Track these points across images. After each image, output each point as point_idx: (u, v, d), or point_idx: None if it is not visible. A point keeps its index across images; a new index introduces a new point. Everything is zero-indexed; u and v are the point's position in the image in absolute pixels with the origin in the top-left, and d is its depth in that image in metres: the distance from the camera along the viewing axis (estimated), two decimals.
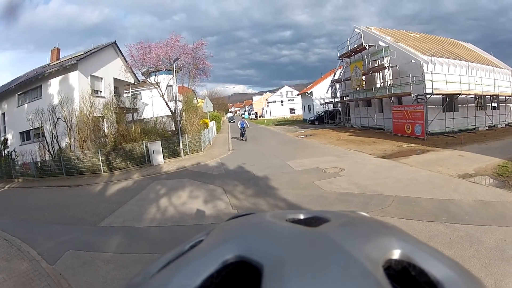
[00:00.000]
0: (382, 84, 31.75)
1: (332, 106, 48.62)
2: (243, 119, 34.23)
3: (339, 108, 46.06)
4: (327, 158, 17.73)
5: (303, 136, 32.97)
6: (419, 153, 18.28)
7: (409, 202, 9.79)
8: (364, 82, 34.02)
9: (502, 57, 36.50)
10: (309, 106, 62.63)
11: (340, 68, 42.01)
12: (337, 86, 44.14)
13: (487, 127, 28.13)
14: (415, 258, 0.46)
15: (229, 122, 78.45)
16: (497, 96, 29.32)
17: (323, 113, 50.86)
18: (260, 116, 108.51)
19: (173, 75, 24.84)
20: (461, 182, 11.56)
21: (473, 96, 27.55)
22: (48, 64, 30.59)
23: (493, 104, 30.63)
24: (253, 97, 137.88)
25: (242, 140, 32.34)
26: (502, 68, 33.64)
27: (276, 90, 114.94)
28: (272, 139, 32.49)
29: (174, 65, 24.13)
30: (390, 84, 29.63)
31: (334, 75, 44.11)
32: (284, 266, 0.40)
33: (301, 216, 0.61)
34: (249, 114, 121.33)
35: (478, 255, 6.06)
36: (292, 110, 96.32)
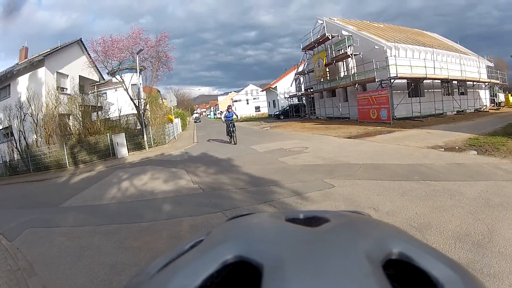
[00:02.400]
0: (346, 73, 31.47)
1: (297, 100, 48.06)
2: (229, 111, 19.93)
3: (304, 101, 45.82)
4: (292, 141, 17.36)
5: (268, 128, 32.17)
6: (385, 133, 17.75)
7: (377, 167, 9.31)
8: (327, 73, 33.70)
9: (471, 50, 37.12)
10: (273, 101, 62.39)
11: (303, 63, 41.79)
12: (301, 79, 43.66)
13: (455, 112, 28.12)
14: (415, 258, 0.43)
15: (195, 122, 78.59)
16: (465, 81, 29.37)
17: (288, 107, 49.77)
18: None
19: (136, 66, 23.66)
20: (431, 151, 11.05)
21: (439, 81, 27.48)
22: (17, 63, 29.89)
23: (461, 90, 30.80)
24: (219, 97, 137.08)
25: (231, 143, 19.66)
26: (469, 55, 33.88)
27: (241, 90, 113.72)
28: (238, 131, 29.17)
29: (137, 57, 23.25)
30: (354, 73, 28.91)
31: (297, 69, 43.66)
32: (284, 266, 0.39)
33: (301, 216, 0.57)
34: (214, 114, 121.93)
35: (461, 204, 5.73)
36: (257, 108, 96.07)
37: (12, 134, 23.17)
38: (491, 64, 35.30)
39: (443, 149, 11.20)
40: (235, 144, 19.04)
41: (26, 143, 22.14)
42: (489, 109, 31.88)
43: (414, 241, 0.46)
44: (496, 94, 35.59)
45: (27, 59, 28.96)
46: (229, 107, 20.36)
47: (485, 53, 36.30)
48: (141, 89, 25.38)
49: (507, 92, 37.66)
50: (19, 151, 22.18)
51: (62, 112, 23.70)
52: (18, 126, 22.32)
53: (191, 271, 0.41)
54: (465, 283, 0.39)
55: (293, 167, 10.40)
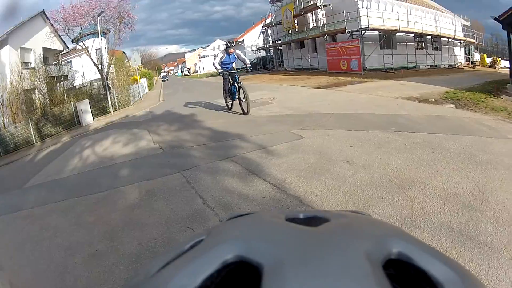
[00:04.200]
0: (315, 24, 30.83)
1: (264, 52, 47.14)
2: (229, 53, 11.17)
3: (272, 54, 44.96)
4: (258, 93, 16.77)
5: None
6: (356, 84, 17.36)
7: (350, 117, 8.92)
8: (296, 24, 32.99)
9: (448, 9, 36.99)
10: None
11: (270, 15, 40.64)
12: (269, 31, 42.62)
13: (429, 66, 28.02)
14: (415, 258, 0.42)
15: (163, 81, 77.68)
16: (439, 37, 29.24)
17: (255, 60, 48.85)
18: (193, 72, 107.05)
19: (98, 30, 23.10)
20: (407, 102, 10.71)
21: (412, 35, 27.26)
22: None
23: (435, 46, 30.63)
24: (186, 55, 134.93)
25: (231, 109, 12.35)
26: (444, 13, 33.56)
27: (208, 46, 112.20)
28: (204, 87, 29.91)
29: (98, 20, 22.69)
30: (323, 24, 28.61)
31: (265, 21, 42.40)
32: (284, 266, 0.38)
33: (301, 216, 0.56)
34: (182, 71, 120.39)
35: (445, 159, 5.33)
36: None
37: None
38: (467, 24, 35.27)
39: (419, 101, 10.85)
40: (246, 114, 10.78)
41: None
42: (464, 66, 31.87)
43: (414, 241, 0.45)
44: (471, 53, 35.76)
45: None
46: (229, 45, 10.94)
47: (462, 14, 36.11)
48: (104, 53, 24.71)
49: (482, 52, 37.62)
50: None
51: (27, 88, 23.08)
52: None
53: (191, 271, 0.40)
54: (465, 283, 0.39)
55: (258, 119, 10.02)
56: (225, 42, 11.45)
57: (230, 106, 12.26)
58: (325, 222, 0.49)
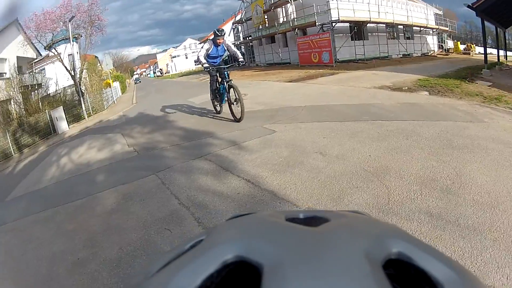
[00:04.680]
0: (285, 19, 31.20)
1: (236, 49, 46.78)
2: (218, 43, 9.10)
3: (243, 50, 45.42)
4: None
5: (208, 79, 30.79)
6: (328, 76, 17.44)
7: (322, 108, 8.90)
8: (266, 20, 33.23)
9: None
10: None
11: (240, 12, 40.54)
12: (239, 28, 43.18)
13: (401, 55, 28.52)
14: (415, 258, 0.42)
15: (135, 83, 77.98)
16: (411, 26, 29.85)
17: (226, 57, 48.54)
18: (165, 73, 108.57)
19: (69, 35, 22.94)
20: (379, 91, 10.73)
21: (384, 25, 27.69)
22: None
23: (407, 35, 31.26)
24: (157, 55, 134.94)
25: (219, 113, 10.54)
26: (416, 2, 34.08)
27: (179, 45, 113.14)
28: (176, 87, 30.08)
29: (69, 25, 22.69)
30: (293, 18, 28.83)
31: (235, 18, 43.04)
32: (284, 266, 0.38)
33: (301, 216, 0.56)
34: (154, 72, 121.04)
35: (420, 145, 5.36)
36: (197, 61, 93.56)
37: None
38: (440, 12, 35.99)
39: (391, 90, 10.89)
40: (238, 120, 8.81)
41: None
42: (437, 54, 32.49)
43: (414, 241, 0.45)
44: (444, 40, 36.56)
45: None
46: (217, 34, 8.89)
47: (434, 3, 36.78)
48: (76, 58, 24.70)
49: (456, 40, 38.51)
50: None
51: (3, 99, 22.92)
52: None
53: (191, 271, 0.40)
54: (465, 283, 0.39)
55: (231, 116, 9.79)
56: (213, 31, 9.12)
57: (218, 109, 10.37)
58: (325, 222, 0.49)
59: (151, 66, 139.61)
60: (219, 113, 10.27)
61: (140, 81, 79.08)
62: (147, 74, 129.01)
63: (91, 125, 17.76)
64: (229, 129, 8.15)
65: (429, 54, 31.63)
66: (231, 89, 8.66)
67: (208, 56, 9.09)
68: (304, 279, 0.35)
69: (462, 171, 4.22)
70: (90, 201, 5.77)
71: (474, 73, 13.72)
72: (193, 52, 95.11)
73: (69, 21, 22.61)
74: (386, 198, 3.72)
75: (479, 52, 27.80)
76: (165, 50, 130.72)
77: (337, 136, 6.22)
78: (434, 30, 33.41)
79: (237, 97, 8.53)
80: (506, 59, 21.44)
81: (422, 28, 31.34)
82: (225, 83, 8.84)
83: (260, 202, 4.15)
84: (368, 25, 26.08)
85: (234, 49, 9.56)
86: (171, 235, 3.74)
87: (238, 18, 41.68)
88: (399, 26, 29.26)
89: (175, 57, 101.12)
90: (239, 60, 9.16)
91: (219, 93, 9.63)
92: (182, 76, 61.36)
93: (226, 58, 10.19)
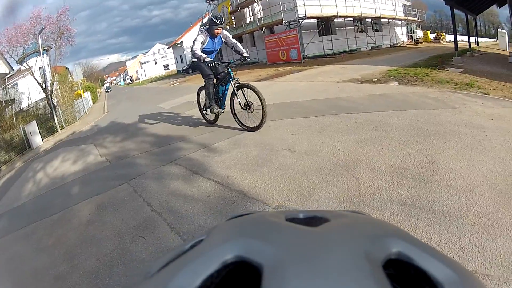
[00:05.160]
0: (252, 18, 31.55)
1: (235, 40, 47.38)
2: (214, 34, 7.20)
3: None
4: None
5: (178, 83, 32.24)
6: (297, 72, 17.57)
7: (290, 105, 8.94)
8: (233, 20, 33.70)
9: None
10: (181, 57, 61.83)
11: (207, 14, 40.60)
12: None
13: (370, 48, 28.92)
14: (415, 258, 0.43)
15: (106, 92, 77.50)
16: (379, 18, 30.28)
17: (195, 60, 48.74)
18: (135, 80, 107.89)
19: (39, 47, 22.82)
20: (348, 84, 10.78)
21: (351, 19, 28.08)
22: None
23: (375, 27, 31.73)
24: (127, 63, 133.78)
25: (213, 123, 8.46)
26: None
27: (148, 51, 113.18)
28: (146, 93, 30.45)
29: (39, 37, 22.48)
30: (260, 17, 29.17)
31: (202, 21, 41.81)
32: (284, 266, 0.38)
33: (301, 216, 0.57)
34: (124, 80, 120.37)
35: (389, 135, 5.39)
36: (166, 66, 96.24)
37: None
38: (408, 3, 36.75)
39: (360, 82, 10.95)
40: (254, 129, 6.91)
41: None
42: (407, 44, 33.24)
43: (414, 241, 0.45)
44: (413, 31, 37.48)
45: None
46: (215, 23, 6.99)
47: None
48: (47, 70, 24.42)
49: (425, 30, 39.42)
50: None
51: None
52: None
53: (191, 271, 0.40)
54: (465, 283, 0.39)
55: (200, 119, 9.83)
56: (209, 17, 7.51)
57: (213, 119, 8.38)
58: (325, 222, 0.49)
59: (121, 74, 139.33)
60: (213, 123, 8.35)
61: (111, 90, 78.83)
62: (118, 82, 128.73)
63: (64, 138, 17.69)
64: (198, 132, 8.11)
65: (399, 45, 32.26)
66: (241, 91, 6.88)
67: (202, 51, 7.14)
68: (304, 279, 0.34)
69: (434, 158, 4.23)
70: (67, 214, 5.70)
71: (445, 61, 13.92)
72: (162, 57, 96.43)
73: (39, 33, 22.60)
74: (357, 190, 3.68)
75: (450, 40, 28.50)
76: (135, 57, 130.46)
77: (305, 132, 6.25)
78: (403, 21, 34.09)
79: (249, 100, 6.84)
80: (478, 45, 21.82)
81: (390, 20, 31.88)
82: (230, 83, 7.05)
83: (231, 203, 4.12)
84: (336, 20, 26.38)
85: (234, 40, 7.55)
86: (146, 243, 3.69)
87: (205, 20, 40.97)
88: (367, 19, 29.70)
89: (144, 63, 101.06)
90: (244, 54, 7.18)
91: (217, 98, 7.73)
92: (152, 82, 61.56)
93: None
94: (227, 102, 7.48)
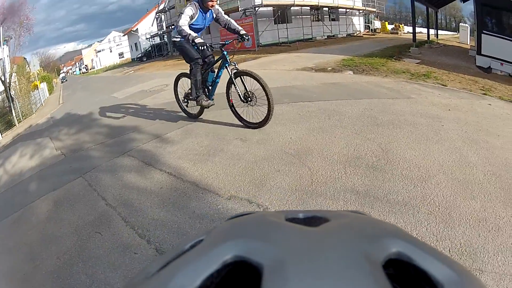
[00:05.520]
0: None
1: (159, 39, 47.77)
2: (208, 6, 5.64)
3: (166, 40, 45.61)
4: (153, 81, 16.84)
5: (132, 71, 31.88)
6: (250, 60, 17.66)
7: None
8: None
9: None
10: (136, 44, 61.22)
11: (164, 1, 41.42)
12: (163, 17, 42.82)
13: (326, 37, 29.16)
14: (416, 258, 0.43)
15: (62, 82, 75.85)
16: (337, 8, 30.58)
17: (149, 48, 49.58)
18: (91, 69, 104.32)
19: (0, 38, 22.63)
20: (301, 72, 10.81)
21: (308, 8, 28.15)
22: None
23: (332, 17, 31.99)
24: (83, 51, 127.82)
25: (195, 117, 7.10)
26: None
27: (103, 39, 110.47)
28: (101, 82, 29.19)
29: (0, 28, 22.55)
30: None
31: (158, 7, 42.88)
32: (284, 266, 0.39)
33: (301, 216, 0.57)
34: (80, 69, 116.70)
35: (342, 125, 5.45)
36: (121, 54, 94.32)
37: None
38: None
39: (314, 71, 10.98)
40: (260, 125, 5.62)
41: None
42: (363, 34, 33.65)
43: (414, 241, 0.46)
44: (371, 21, 38.11)
45: None
46: None
47: None
48: (6, 61, 23.90)
49: (383, 20, 40.02)
50: None
51: None
52: None
53: (191, 271, 0.40)
54: (465, 283, 0.40)
55: (153, 108, 10.05)
56: None
57: (196, 112, 7.02)
58: (325, 222, 0.49)
59: (77, 63, 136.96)
60: (197, 117, 7.05)
61: (66, 80, 77.37)
62: (73, 72, 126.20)
63: (22, 132, 17.17)
64: (150, 122, 8.06)
65: (355, 34, 32.61)
66: (239, 79, 5.69)
67: (190, 28, 5.65)
68: (304, 279, 0.34)
69: (388, 147, 4.27)
70: (26, 212, 5.53)
71: (402, 52, 14.18)
72: (118, 45, 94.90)
73: (1, 23, 22.30)
74: (309, 179, 3.67)
75: (408, 32, 28.93)
76: (90, 45, 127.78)
77: None
78: (361, 11, 34.48)
79: (250, 91, 5.71)
80: (437, 37, 22.47)
81: (348, 10, 32.15)
82: (225, 68, 5.80)
83: (183, 194, 4.12)
84: (292, 8, 26.44)
85: (227, 17, 6.14)
86: (102, 238, 3.63)
87: (161, 7, 41.64)
88: (324, 9, 29.89)
89: (100, 51, 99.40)
90: (241, 33, 5.83)
91: (205, 86, 6.45)
92: (107, 70, 60.48)
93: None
94: (219, 92, 6.46)
